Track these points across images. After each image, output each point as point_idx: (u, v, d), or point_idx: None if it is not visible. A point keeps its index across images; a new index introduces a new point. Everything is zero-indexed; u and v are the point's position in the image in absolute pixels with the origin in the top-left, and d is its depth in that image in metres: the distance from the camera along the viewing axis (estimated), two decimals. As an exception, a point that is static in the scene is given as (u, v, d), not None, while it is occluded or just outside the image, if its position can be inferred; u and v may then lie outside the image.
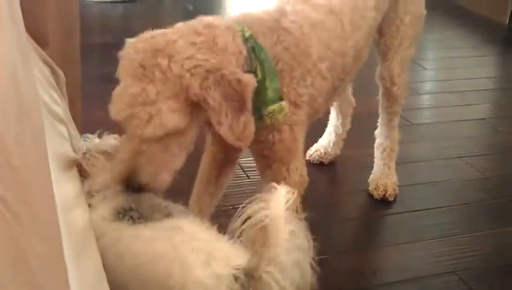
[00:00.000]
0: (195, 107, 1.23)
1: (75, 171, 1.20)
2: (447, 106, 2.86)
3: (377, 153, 2.05)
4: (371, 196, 2.02)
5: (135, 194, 1.20)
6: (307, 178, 1.50)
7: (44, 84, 1.35)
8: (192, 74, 1.21)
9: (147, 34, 1.30)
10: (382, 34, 1.83)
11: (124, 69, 1.26)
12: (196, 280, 1.03)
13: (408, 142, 2.41)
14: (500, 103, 3.03)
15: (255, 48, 1.34)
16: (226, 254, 1.06)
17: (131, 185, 1.21)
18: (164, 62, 1.21)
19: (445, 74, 3.33)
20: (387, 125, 2.01)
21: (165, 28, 1.30)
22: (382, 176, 2.03)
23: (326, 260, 1.62)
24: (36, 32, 1.47)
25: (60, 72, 1.60)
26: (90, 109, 2.03)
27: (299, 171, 1.48)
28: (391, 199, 2.00)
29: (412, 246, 1.81)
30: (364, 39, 1.62)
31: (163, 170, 1.25)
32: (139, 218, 1.14)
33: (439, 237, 1.86)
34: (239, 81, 1.23)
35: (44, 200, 0.73)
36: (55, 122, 1.28)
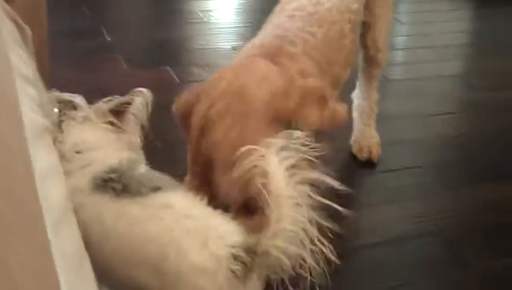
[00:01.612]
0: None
1: (48, 138, 1.13)
2: (423, 62, 2.83)
3: (355, 114, 2.01)
4: (348, 155, 2.00)
5: (117, 163, 1.10)
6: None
7: (10, 42, 1.27)
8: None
9: None
10: (366, 5, 1.76)
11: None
12: (193, 264, 0.97)
13: (384, 98, 2.37)
14: (476, 59, 3.01)
15: None
16: (222, 232, 1.00)
17: None
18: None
19: (420, 28, 3.28)
20: (366, 87, 1.97)
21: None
22: (365, 137, 1.99)
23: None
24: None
25: (27, 28, 1.51)
26: (58, 67, 1.94)
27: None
28: (376, 160, 1.97)
29: (391, 206, 1.79)
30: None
31: None
32: (122, 191, 1.05)
33: (418, 196, 1.85)
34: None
35: (29, 196, 0.67)
36: (24, 84, 1.20)
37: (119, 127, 1.21)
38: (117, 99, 1.23)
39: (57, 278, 0.66)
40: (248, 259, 0.96)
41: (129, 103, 1.21)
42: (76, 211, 1.01)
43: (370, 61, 1.91)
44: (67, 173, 1.10)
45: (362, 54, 1.91)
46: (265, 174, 0.97)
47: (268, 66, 1.34)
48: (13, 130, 0.71)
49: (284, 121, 1.27)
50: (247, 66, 1.35)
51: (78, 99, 1.27)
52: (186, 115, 1.35)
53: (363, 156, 1.98)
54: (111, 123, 1.20)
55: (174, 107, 1.39)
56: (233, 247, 0.97)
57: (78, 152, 1.14)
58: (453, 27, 3.25)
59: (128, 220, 1.03)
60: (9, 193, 0.62)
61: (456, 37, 3.12)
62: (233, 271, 0.96)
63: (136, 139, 1.23)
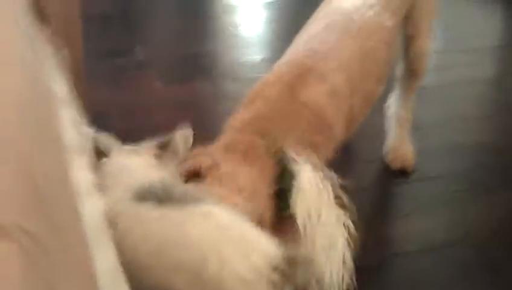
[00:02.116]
0: None
1: (83, 158, 1.16)
2: (456, 66, 2.79)
3: (390, 122, 2.00)
4: (381, 165, 1.99)
5: (160, 178, 1.13)
6: None
7: (46, 64, 1.31)
8: None
9: None
10: (409, 17, 1.75)
11: None
12: (234, 274, 0.97)
13: (417, 105, 2.35)
14: (510, 61, 2.96)
15: None
16: (262, 243, 1.01)
17: None
18: None
19: (452, 32, 3.24)
20: (404, 97, 1.97)
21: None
22: (399, 146, 1.98)
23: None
24: (35, 8, 1.42)
25: (62, 48, 1.55)
26: (93, 85, 1.98)
27: None
28: (410, 170, 1.96)
29: (425, 215, 1.78)
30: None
31: None
32: (165, 200, 1.06)
33: (452, 204, 1.83)
34: None
35: (73, 225, 0.67)
36: (60, 106, 1.23)
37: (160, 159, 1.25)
38: (159, 139, 1.27)
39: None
40: (288, 270, 0.97)
41: (170, 142, 1.26)
42: (117, 218, 1.03)
43: (411, 74, 1.91)
44: (110, 187, 1.12)
45: (403, 66, 1.90)
46: (300, 188, 0.98)
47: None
48: (55, 153, 0.73)
49: None
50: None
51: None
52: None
53: (397, 165, 1.96)
54: (156, 156, 1.24)
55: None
56: (273, 258, 0.98)
57: (122, 170, 1.17)
58: (485, 30, 3.20)
59: (170, 225, 1.04)
60: (58, 231, 0.62)
61: (488, 40, 3.07)
62: (272, 282, 0.97)
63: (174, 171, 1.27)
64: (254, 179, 1.24)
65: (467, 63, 2.80)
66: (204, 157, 1.29)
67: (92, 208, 0.93)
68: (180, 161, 1.27)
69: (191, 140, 1.28)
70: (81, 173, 0.99)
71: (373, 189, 1.92)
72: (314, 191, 0.97)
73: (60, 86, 1.30)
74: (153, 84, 2.40)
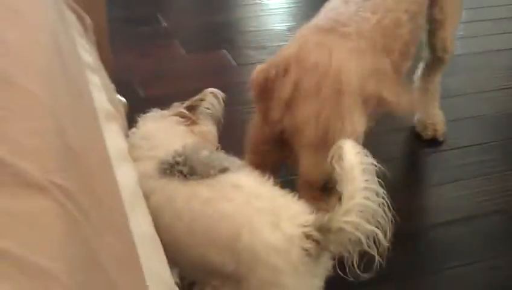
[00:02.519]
0: None
1: (115, 124, 1.15)
2: (484, 35, 2.73)
3: (418, 94, 1.96)
4: (412, 134, 1.96)
5: (181, 148, 1.12)
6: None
7: (73, 33, 1.29)
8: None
9: None
10: (437, 2, 1.72)
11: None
12: (266, 244, 0.97)
13: (446, 76, 2.30)
14: (540, 30, 2.89)
15: None
16: (293, 211, 1.00)
17: None
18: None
19: (479, 1, 3.17)
20: (430, 74, 1.94)
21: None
22: (429, 115, 1.95)
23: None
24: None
25: (86, 17, 1.53)
26: (117, 53, 1.96)
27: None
28: (441, 138, 1.93)
29: (457, 185, 1.75)
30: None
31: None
32: (190, 174, 1.07)
33: (484, 174, 1.79)
34: None
35: (109, 187, 0.67)
36: (88, 73, 1.22)
37: (190, 119, 1.24)
38: (191, 99, 1.26)
39: (141, 267, 0.67)
40: (321, 237, 0.96)
41: (202, 100, 1.25)
42: (147, 196, 1.03)
43: (437, 60, 1.89)
44: (135, 159, 1.12)
45: (429, 51, 1.87)
46: (341, 156, 0.96)
47: (346, 45, 1.32)
48: (89, 118, 0.72)
49: (369, 102, 1.25)
50: (325, 43, 1.32)
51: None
52: (264, 87, 1.32)
53: (427, 134, 1.93)
54: (182, 116, 1.23)
55: (251, 78, 1.36)
56: (305, 226, 0.97)
57: (146, 138, 1.17)
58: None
59: (200, 201, 1.04)
60: (95, 193, 0.62)
61: (515, 9, 3.01)
62: (306, 249, 0.96)
63: (209, 130, 1.26)
64: None
65: (494, 33, 2.74)
66: None
67: (127, 174, 0.92)
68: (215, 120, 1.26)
69: (222, 100, 1.28)
70: (114, 138, 0.98)
71: (403, 159, 1.89)
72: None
73: (87, 53, 1.29)
74: (177, 52, 2.38)
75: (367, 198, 0.94)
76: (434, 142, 1.92)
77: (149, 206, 1.00)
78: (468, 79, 2.33)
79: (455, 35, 1.89)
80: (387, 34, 1.47)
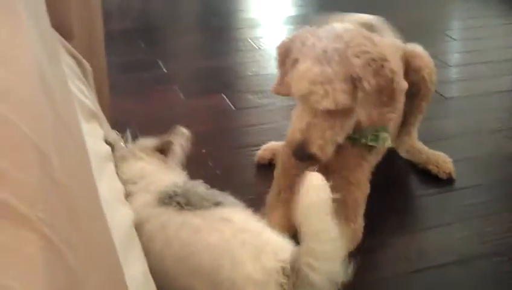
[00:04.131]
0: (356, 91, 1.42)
1: (111, 167, 1.17)
2: (479, 78, 2.77)
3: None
4: (405, 175, 1.97)
5: (181, 182, 1.19)
6: (361, 235, 1.59)
7: (71, 77, 1.31)
8: (358, 57, 1.40)
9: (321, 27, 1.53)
10: None
11: (305, 53, 1.46)
12: (246, 275, 1.01)
13: (442, 118, 2.33)
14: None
15: None
16: (275, 247, 1.04)
17: (301, 152, 1.43)
18: (342, 46, 1.41)
19: (474, 44, 3.22)
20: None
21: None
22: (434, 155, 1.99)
23: (368, 244, 1.57)
24: (60, 24, 1.44)
25: (86, 64, 1.56)
26: (117, 99, 1.99)
27: (360, 223, 1.59)
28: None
29: (454, 226, 1.74)
30: None
31: (328, 145, 1.46)
32: (186, 204, 1.11)
33: (481, 215, 1.79)
34: (394, 81, 1.43)
35: (96, 221, 0.68)
36: (86, 117, 1.24)
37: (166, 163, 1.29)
38: (159, 139, 1.32)
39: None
40: (291, 273, 0.99)
41: (171, 142, 1.30)
42: (143, 222, 1.07)
43: None
44: (133, 193, 1.16)
45: None
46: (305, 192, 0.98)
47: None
48: (79, 160, 0.73)
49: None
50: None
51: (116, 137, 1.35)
52: (285, 53, 1.55)
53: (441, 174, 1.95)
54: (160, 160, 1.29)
55: (277, 46, 1.61)
56: (283, 261, 1.00)
57: (142, 177, 1.21)
58: (507, 41, 3.18)
59: (190, 230, 1.08)
60: (81, 225, 0.63)
61: (510, 52, 3.05)
62: (281, 285, 0.99)
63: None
64: None
65: (490, 75, 2.77)
66: None
67: (122, 215, 0.93)
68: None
69: (189, 140, 1.36)
70: (111, 179, 0.99)
71: (399, 201, 1.89)
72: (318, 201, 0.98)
73: (86, 98, 1.31)
74: (176, 97, 2.41)
75: (323, 241, 0.96)
76: (430, 184, 1.93)
77: (143, 234, 1.03)
78: (463, 121, 2.36)
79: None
80: None
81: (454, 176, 1.93)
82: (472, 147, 2.16)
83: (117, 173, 1.21)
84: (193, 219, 1.09)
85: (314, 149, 1.44)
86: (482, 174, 2.00)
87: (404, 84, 1.54)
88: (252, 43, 3.03)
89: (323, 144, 1.45)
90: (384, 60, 1.43)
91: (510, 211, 1.82)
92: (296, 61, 1.49)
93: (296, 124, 1.48)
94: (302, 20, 3.30)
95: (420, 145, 2.01)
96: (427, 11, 3.62)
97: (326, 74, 1.40)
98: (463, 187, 1.92)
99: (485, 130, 2.26)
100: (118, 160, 1.25)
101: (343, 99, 1.41)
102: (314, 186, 0.98)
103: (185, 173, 1.33)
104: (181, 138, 1.35)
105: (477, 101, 2.53)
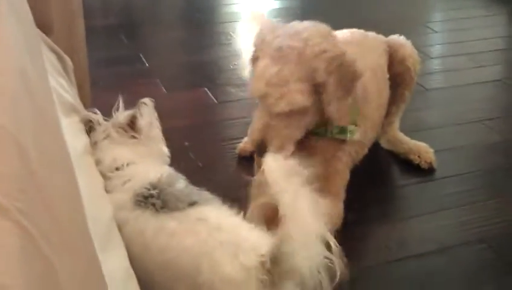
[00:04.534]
0: (316, 89, 1.43)
1: (90, 160, 1.17)
2: (460, 69, 2.79)
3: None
4: (386, 165, 1.99)
5: (156, 179, 1.16)
6: (342, 215, 1.60)
7: (52, 72, 1.31)
8: (319, 59, 1.41)
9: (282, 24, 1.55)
10: None
11: (264, 50, 1.46)
12: (225, 276, 1.00)
13: (424, 109, 2.35)
14: (515, 62, 2.95)
15: None
16: (253, 243, 1.03)
17: (262, 151, 1.38)
18: (300, 45, 1.41)
19: (455, 36, 3.25)
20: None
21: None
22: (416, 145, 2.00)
23: (349, 233, 1.58)
24: (40, 19, 1.43)
25: (67, 59, 1.56)
26: (99, 93, 1.99)
27: (340, 204, 1.60)
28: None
29: (436, 215, 1.76)
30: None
31: (286, 143, 1.47)
32: (161, 207, 1.10)
33: (463, 204, 1.81)
34: (354, 72, 1.47)
35: (73, 211, 0.68)
36: (65, 111, 1.24)
37: (141, 139, 1.28)
38: (127, 113, 1.30)
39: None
40: (272, 268, 0.97)
41: (134, 116, 1.28)
42: (120, 226, 1.06)
43: None
44: (109, 191, 1.15)
45: None
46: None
47: None
48: (58, 153, 0.73)
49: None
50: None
51: (96, 116, 1.33)
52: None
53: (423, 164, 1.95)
54: (134, 137, 1.27)
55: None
56: (262, 256, 0.99)
57: (117, 169, 1.19)
58: (488, 33, 3.20)
59: (167, 234, 1.07)
60: (58, 215, 0.63)
61: (491, 43, 3.07)
62: (262, 281, 0.98)
63: (163, 147, 1.30)
64: None
65: (471, 66, 2.80)
66: None
67: (102, 210, 0.93)
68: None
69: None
70: (89, 174, 0.99)
71: (382, 190, 1.91)
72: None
73: (67, 93, 1.31)
74: (158, 91, 2.41)
75: (306, 231, 0.95)
76: (412, 174, 1.95)
77: (122, 236, 1.02)
78: (444, 112, 2.38)
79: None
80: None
81: (435, 165, 1.95)
82: (453, 137, 2.18)
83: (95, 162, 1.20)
84: (169, 223, 1.08)
85: (272, 149, 1.44)
86: (463, 164, 2.02)
87: (361, 72, 1.53)
88: (234, 36, 3.03)
89: (280, 144, 1.46)
90: (342, 55, 1.44)
91: (490, 200, 1.84)
92: (256, 59, 1.49)
93: (255, 123, 1.50)
94: (285, 13, 3.31)
95: (401, 135, 2.03)
96: (408, 3, 3.64)
97: (282, 74, 1.40)
98: (444, 177, 1.94)
99: (466, 121, 2.29)
100: (94, 146, 1.23)
101: (299, 100, 1.41)
102: (271, 164, 0.97)
103: (161, 144, 1.34)
104: (147, 109, 1.34)
105: (458, 92, 2.55)
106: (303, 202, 0.94)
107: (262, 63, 1.44)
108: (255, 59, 1.50)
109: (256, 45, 1.51)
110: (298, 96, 1.40)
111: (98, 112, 1.35)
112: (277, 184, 0.95)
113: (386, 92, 1.84)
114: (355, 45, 1.79)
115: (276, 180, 0.95)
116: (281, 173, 0.96)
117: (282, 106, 1.41)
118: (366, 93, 1.65)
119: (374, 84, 1.72)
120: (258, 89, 1.44)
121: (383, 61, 1.85)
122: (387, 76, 1.86)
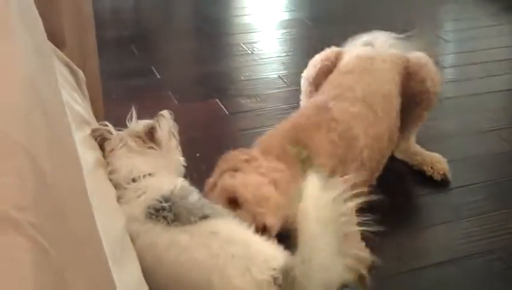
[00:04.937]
0: None
1: (103, 172, 1.17)
2: (473, 78, 2.78)
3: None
4: (401, 176, 1.98)
5: (169, 192, 1.16)
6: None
7: (64, 85, 1.32)
8: None
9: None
10: None
11: None
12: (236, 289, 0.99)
13: (437, 119, 2.34)
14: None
15: None
16: (265, 257, 1.03)
17: None
18: None
19: (467, 45, 3.24)
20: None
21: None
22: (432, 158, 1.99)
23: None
24: (52, 33, 1.45)
25: (79, 71, 1.57)
26: (111, 106, 2.00)
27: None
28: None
29: (448, 226, 1.75)
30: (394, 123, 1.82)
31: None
32: (173, 220, 1.10)
33: (474, 215, 1.80)
34: None
35: (86, 224, 0.68)
36: (78, 124, 1.24)
37: (160, 150, 1.27)
38: (145, 123, 1.30)
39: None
40: (284, 283, 0.97)
41: (154, 127, 1.28)
42: (132, 238, 1.06)
43: None
44: (123, 202, 1.15)
45: None
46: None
47: None
48: (71, 166, 0.73)
49: None
50: None
51: (105, 128, 1.33)
52: None
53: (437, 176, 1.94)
54: (152, 148, 1.26)
55: None
56: (274, 270, 1.00)
57: (134, 180, 1.19)
58: (499, 42, 3.19)
59: (178, 248, 1.07)
60: (71, 229, 0.64)
61: (503, 52, 3.06)
62: None
63: (180, 158, 1.29)
64: (288, 177, 1.43)
65: (483, 76, 2.78)
66: (240, 153, 1.52)
67: (115, 222, 0.94)
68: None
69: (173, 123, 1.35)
70: (102, 184, 1.00)
71: (392, 201, 1.90)
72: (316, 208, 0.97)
73: (79, 105, 1.31)
74: (170, 103, 2.41)
75: (320, 249, 0.95)
76: (425, 184, 1.94)
77: (136, 249, 1.02)
78: (458, 121, 2.37)
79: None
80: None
81: (449, 176, 1.94)
82: (466, 147, 2.17)
83: (109, 172, 1.20)
84: (180, 236, 1.08)
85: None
86: (476, 174, 2.01)
87: None
88: (245, 48, 3.04)
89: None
90: None
91: (502, 210, 1.83)
92: None
93: None
94: (294, 25, 3.32)
95: (416, 147, 2.02)
96: (420, 13, 3.64)
97: None
98: (457, 187, 1.93)
99: (479, 130, 2.28)
100: (108, 155, 1.23)
101: None
102: (312, 193, 0.97)
103: (178, 156, 1.34)
104: (166, 120, 1.34)
105: (471, 102, 2.55)
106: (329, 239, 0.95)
107: None
108: None
109: None
110: None
111: (109, 124, 1.36)
112: (310, 209, 0.96)
113: (392, 114, 1.85)
114: (357, 73, 1.80)
115: (311, 205, 0.96)
116: (320, 201, 0.97)
117: None
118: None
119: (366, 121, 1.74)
120: None
121: (392, 86, 1.86)
122: (397, 92, 1.87)
